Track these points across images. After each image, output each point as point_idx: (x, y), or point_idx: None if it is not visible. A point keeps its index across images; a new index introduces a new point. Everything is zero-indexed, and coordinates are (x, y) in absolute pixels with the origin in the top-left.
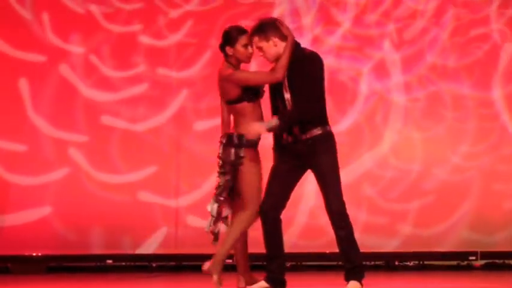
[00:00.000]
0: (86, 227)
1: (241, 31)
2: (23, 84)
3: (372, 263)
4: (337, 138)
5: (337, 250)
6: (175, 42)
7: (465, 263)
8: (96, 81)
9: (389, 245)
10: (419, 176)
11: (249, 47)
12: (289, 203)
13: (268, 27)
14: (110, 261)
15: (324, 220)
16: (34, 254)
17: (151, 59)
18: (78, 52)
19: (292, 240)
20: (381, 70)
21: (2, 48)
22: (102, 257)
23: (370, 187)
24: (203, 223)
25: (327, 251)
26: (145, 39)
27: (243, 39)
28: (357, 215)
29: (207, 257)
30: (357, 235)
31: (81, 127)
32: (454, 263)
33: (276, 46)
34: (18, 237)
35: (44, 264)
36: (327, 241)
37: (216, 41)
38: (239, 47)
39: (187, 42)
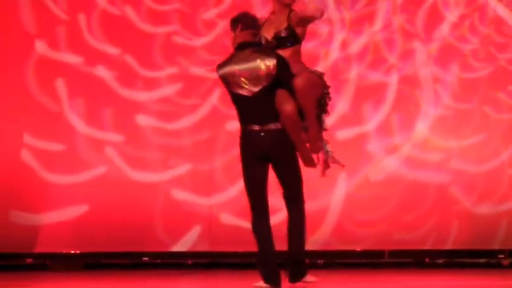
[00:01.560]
0: (122, 224)
1: None
2: (60, 85)
3: (401, 260)
4: None
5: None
6: (208, 42)
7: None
8: (131, 81)
9: (418, 243)
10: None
11: None
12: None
13: None
14: (145, 259)
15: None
16: (72, 252)
17: (185, 58)
18: (113, 53)
19: (325, 238)
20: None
21: (39, 49)
22: (138, 255)
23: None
24: (236, 221)
25: (358, 249)
26: (179, 39)
27: None
28: (386, 211)
29: (241, 254)
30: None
31: (117, 126)
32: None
33: None
34: (56, 235)
35: (81, 262)
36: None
37: None
38: None
39: (220, 41)
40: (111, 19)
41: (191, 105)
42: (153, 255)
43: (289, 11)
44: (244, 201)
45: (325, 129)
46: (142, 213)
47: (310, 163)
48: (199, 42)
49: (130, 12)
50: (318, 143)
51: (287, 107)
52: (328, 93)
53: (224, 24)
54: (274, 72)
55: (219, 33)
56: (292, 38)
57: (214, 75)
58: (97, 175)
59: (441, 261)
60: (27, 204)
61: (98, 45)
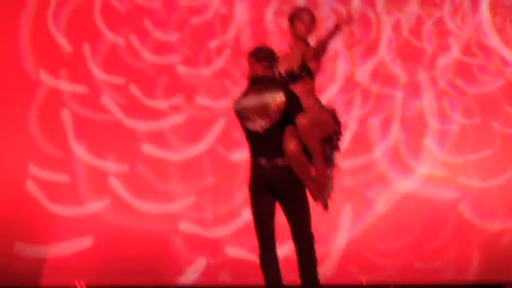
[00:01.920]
0: (127, 256)
1: None
2: (66, 115)
3: None
4: None
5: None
6: (213, 72)
7: None
8: (136, 111)
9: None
10: None
11: None
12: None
13: None
14: None
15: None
16: (77, 284)
17: (190, 88)
18: (118, 82)
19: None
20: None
21: (45, 79)
22: (144, 287)
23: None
24: (242, 253)
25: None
26: (184, 69)
27: None
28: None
29: (246, 287)
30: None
31: (121, 157)
32: None
33: None
34: (62, 267)
35: None
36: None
37: None
38: None
39: (225, 71)
40: (115, 49)
41: (196, 135)
42: None
43: (304, 45)
44: (250, 234)
45: (335, 167)
46: (148, 245)
47: (319, 198)
48: (204, 71)
49: (135, 41)
50: (325, 181)
51: (289, 145)
52: (339, 130)
53: (229, 54)
54: (283, 107)
55: (224, 63)
56: (305, 73)
57: (219, 105)
58: (102, 206)
59: None
60: (32, 236)
61: (103, 75)
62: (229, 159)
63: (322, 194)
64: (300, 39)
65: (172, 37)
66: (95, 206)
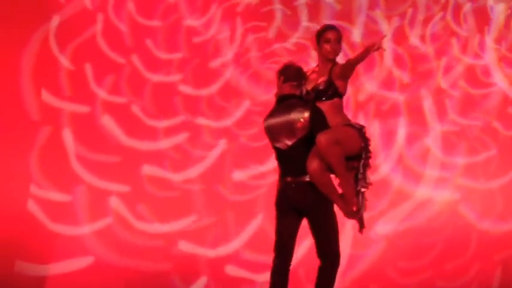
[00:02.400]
0: (127, 276)
1: None
2: (67, 134)
3: None
4: None
5: None
6: (214, 92)
7: None
8: (137, 131)
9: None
10: None
11: None
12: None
13: None
14: None
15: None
16: None
17: (191, 108)
18: (120, 102)
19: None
20: None
21: (46, 98)
22: None
23: None
24: (242, 272)
25: None
26: (184, 89)
27: None
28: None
29: None
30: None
31: (122, 176)
32: None
33: None
34: (62, 286)
35: None
36: None
37: (255, 89)
38: None
39: (226, 91)
40: (117, 68)
41: (197, 155)
42: None
43: (332, 64)
44: (249, 254)
45: (370, 184)
46: (148, 265)
47: (350, 215)
48: (205, 91)
49: (136, 61)
50: (353, 199)
51: (311, 165)
52: (367, 148)
53: (230, 73)
54: (308, 125)
55: (225, 83)
56: (331, 91)
57: (220, 125)
58: (103, 226)
59: None
60: (32, 255)
61: (104, 95)
62: (231, 179)
63: (356, 212)
64: (326, 58)
65: (174, 56)
66: (96, 225)
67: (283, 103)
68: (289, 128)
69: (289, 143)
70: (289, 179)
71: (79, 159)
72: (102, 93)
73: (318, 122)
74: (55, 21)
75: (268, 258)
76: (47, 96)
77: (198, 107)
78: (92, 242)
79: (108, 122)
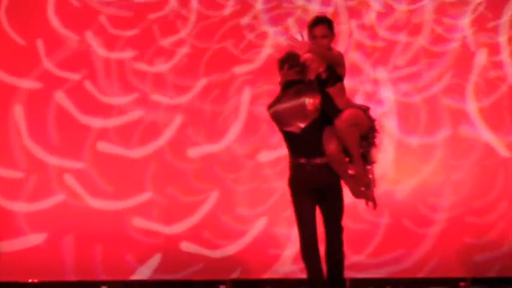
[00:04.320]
0: (81, 253)
1: None
2: (19, 111)
3: None
4: None
5: None
6: (169, 68)
7: None
8: (91, 107)
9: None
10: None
11: None
12: None
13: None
14: (104, 287)
15: None
16: (30, 281)
17: (146, 84)
18: (73, 78)
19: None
20: None
21: None
22: (97, 283)
23: None
24: (197, 249)
25: None
26: (140, 66)
27: None
28: None
29: (201, 283)
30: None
31: (76, 153)
32: None
33: None
34: (15, 264)
35: None
36: None
37: (208, 68)
38: None
39: (181, 68)
40: (70, 44)
41: (152, 132)
42: (112, 283)
43: (327, 51)
44: (205, 230)
45: (374, 162)
46: (102, 242)
47: (359, 195)
48: (160, 68)
49: (90, 37)
50: (364, 178)
51: (330, 146)
52: (374, 127)
53: (185, 50)
54: (319, 107)
55: (180, 59)
56: (333, 78)
57: (175, 102)
58: (56, 203)
59: None
60: None
61: (57, 71)
62: (186, 156)
63: (365, 190)
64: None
65: (128, 33)
66: (49, 202)
67: (292, 88)
68: (301, 111)
69: (302, 125)
70: (303, 160)
71: (31, 136)
72: (54, 70)
73: (330, 106)
74: None
75: (224, 234)
76: None
77: (153, 84)
78: (45, 219)
79: (61, 99)
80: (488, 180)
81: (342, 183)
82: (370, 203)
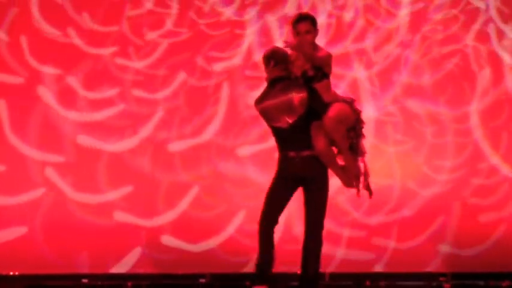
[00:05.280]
0: (61, 246)
1: None
2: (1, 105)
3: (343, 283)
4: None
5: None
6: (150, 64)
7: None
8: (73, 102)
9: (361, 265)
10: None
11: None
12: None
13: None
14: (85, 280)
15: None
16: (11, 273)
17: (127, 80)
18: (55, 74)
19: None
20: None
21: None
22: (78, 276)
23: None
24: (177, 243)
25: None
26: (120, 61)
27: None
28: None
29: (181, 276)
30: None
31: (57, 147)
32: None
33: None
34: None
35: (21, 283)
36: None
37: (188, 63)
38: None
39: (162, 63)
40: (52, 40)
41: (132, 126)
42: (93, 277)
43: (311, 49)
44: (185, 224)
45: (365, 153)
46: (83, 235)
47: (349, 185)
48: (141, 64)
49: (72, 33)
50: (355, 169)
51: (319, 144)
52: (360, 119)
53: (166, 46)
54: (306, 103)
55: (161, 55)
56: (320, 75)
57: (155, 97)
58: (37, 196)
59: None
60: None
61: (39, 66)
62: (167, 150)
63: (356, 180)
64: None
65: (110, 29)
66: (30, 195)
67: (279, 85)
68: (288, 107)
69: (290, 120)
70: (292, 153)
71: (13, 130)
72: (36, 65)
73: (316, 101)
74: None
75: (205, 228)
76: None
77: (134, 79)
78: (26, 212)
79: (43, 93)
80: None
81: (329, 175)
82: (363, 193)
